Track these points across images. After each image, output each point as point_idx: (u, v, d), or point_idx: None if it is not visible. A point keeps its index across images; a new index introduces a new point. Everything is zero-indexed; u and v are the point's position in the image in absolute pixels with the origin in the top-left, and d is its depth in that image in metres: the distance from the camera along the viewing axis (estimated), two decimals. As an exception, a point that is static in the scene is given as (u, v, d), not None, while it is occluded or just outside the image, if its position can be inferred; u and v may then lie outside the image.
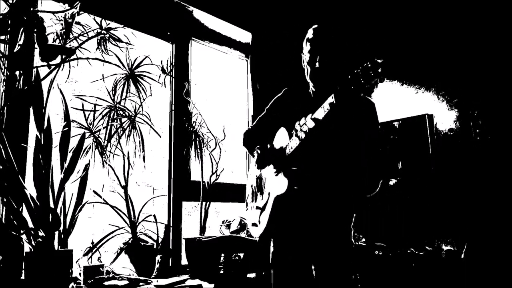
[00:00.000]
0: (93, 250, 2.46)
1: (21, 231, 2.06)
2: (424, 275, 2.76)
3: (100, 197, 2.57)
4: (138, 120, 2.72)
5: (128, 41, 2.53)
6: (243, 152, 2.11)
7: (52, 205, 2.16)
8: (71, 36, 2.22)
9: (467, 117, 2.97)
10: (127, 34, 2.53)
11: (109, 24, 2.42)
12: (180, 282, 2.45)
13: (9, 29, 2.01)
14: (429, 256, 2.82)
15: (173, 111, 3.22)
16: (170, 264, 3.01)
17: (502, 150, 2.77)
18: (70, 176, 2.29)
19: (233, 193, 3.41)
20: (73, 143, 2.35)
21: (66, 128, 2.30)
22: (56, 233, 2.18)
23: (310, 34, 1.83)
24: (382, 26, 3.55)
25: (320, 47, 1.77)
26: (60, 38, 2.21)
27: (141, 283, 2.35)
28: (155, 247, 2.73)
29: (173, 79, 3.24)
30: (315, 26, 1.84)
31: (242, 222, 3.12)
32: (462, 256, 2.68)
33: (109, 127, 2.60)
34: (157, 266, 2.75)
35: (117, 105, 2.66)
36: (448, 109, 3.10)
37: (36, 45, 2.07)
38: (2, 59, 2.11)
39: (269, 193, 1.86)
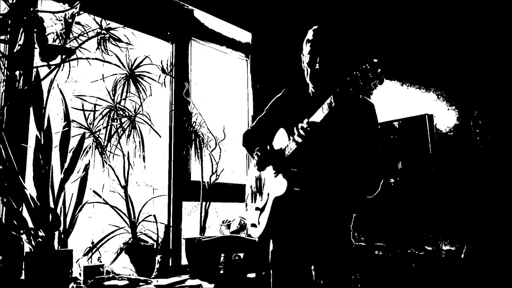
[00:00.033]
0: (93, 250, 2.46)
1: (21, 231, 2.06)
2: (424, 275, 2.76)
3: (100, 197, 2.57)
4: (138, 120, 2.72)
5: (128, 41, 2.53)
6: (243, 152, 2.11)
7: (52, 205, 2.16)
8: (71, 36, 2.22)
9: (467, 117, 2.97)
10: (127, 34, 2.53)
11: (109, 24, 2.42)
12: (180, 282, 2.45)
13: (9, 29, 2.01)
14: (429, 256, 2.82)
15: (173, 111, 3.22)
16: (170, 264, 3.01)
17: (502, 150, 2.77)
18: (70, 176, 2.29)
19: (233, 193, 3.41)
20: (73, 143, 2.35)
21: (66, 128, 2.30)
22: (56, 233, 2.18)
23: (310, 35, 1.82)
24: (382, 26, 3.55)
25: (320, 48, 1.76)
26: (60, 38, 2.21)
27: (141, 283, 2.35)
28: (155, 247, 2.73)
29: (173, 79, 3.24)
30: (315, 27, 1.83)
31: (242, 222, 3.12)
32: (462, 256, 2.68)
33: (109, 127, 2.60)
34: (157, 266, 2.75)
35: (117, 105, 2.66)
36: (448, 109, 3.10)
37: (36, 45, 2.07)
38: (2, 59, 2.11)
39: (268, 194, 1.86)
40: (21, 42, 2.05)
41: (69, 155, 2.30)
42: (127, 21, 2.66)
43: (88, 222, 2.67)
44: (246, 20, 3.80)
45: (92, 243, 2.49)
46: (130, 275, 2.49)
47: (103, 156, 2.56)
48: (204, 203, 3.12)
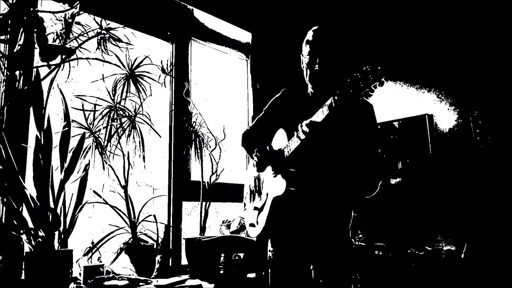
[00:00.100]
0: (93, 250, 2.46)
1: (21, 231, 2.06)
2: (424, 275, 2.76)
3: (100, 197, 2.57)
4: (138, 120, 2.72)
5: (128, 41, 2.53)
6: (243, 152, 2.11)
7: (52, 205, 2.16)
8: (71, 36, 2.22)
9: (467, 117, 2.97)
10: (127, 34, 2.53)
11: (109, 24, 2.42)
12: (180, 282, 2.45)
13: (9, 29, 2.01)
14: (429, 256, 2.82)
15: (173, 111, 3.22)
16: (170, 264, 3.01)
17: (502, 150, 2.77)
18: (70, 176, 2.29)
19: (233, 193, 3.41)
20: (73, 143, 2.35)
21: (66, 128, 2.30)
22: (56, 233, 2.18)
23: (309, 35, 1.82)
24: (382, 26, 3.55)
25: (319, 49, 1.76)
26: (60, 38, 2.21)
27: (141, 283, 2.35)
28: (155, 247, 2.73)
29: (173, 79, 3.24)
30: (315, 27, 1.83)
31: (242, 222, 3.12)
32: (462, 256, 2.68)
33: (109, 127, 2.60)
34: (157, 266, 2.75)
35: (117, 105, 2.66)
36: (448, 109, 3.10)
37: (36, 45, 2.07)
38: (2, 59, 2.11)
39: (267, 194, 1.87)
40: (21, 42, 2.05)
41: (69, 155, 2.30)
42: (127, 21, 2.66)
43: (88, 222, 2.67)
44: (246, 20, 3.80)
45: (92, 243, 2.49)
46: (130, 275, 2.49)
47: (103, 156, 2.56)
48: (204, 203, 3.13)
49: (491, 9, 2.92)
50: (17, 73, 2.14)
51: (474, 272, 2.61)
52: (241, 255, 2.76)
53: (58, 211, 2.19)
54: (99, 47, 2.40)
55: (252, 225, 1.95)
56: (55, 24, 2.21)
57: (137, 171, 2.81)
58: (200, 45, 3.57)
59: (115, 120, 2.64)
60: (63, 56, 2.17)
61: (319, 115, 1.57)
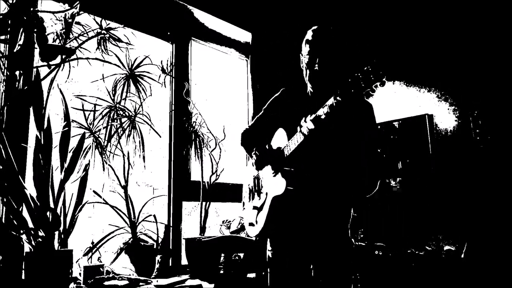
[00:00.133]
0: (93, 250, 2.47)
1: (21, 231, 2.06)
2: (424, 275, 2.76)
3: (100, 197, 2.57)
4: (138, 120, 2.72)
5: (128, 41, 2.53)
6: (243, 152, 2.11)
7: (52, 205, 2.16)
8: (71, 36, 2.22)
9: (467, 117, 2.97)
10: (127, 34, 2.53)
11: (109, 24, 2.43)
12: (180, 282, 2.45)
13: (9, 29, 2.01)
14: (429, 256, 2.82)
15: (173, 111, 3.22)
16: (170, 264, 3.01)
17: (502, 150, 2.78)
18: (70, 176, 2.29)
19: (233, 193, 3.41)
20: (73, 143, 2.35)
21: (66, 128, 2.30)
22: (56, 233, 2.18)
23: (309, 35, 1.82)
24: (382, 26, 3.55)
25: (319, 49, 1.76)
26: (60, 38, 2.21)
27: (141, 283, 2.35)
28: (155, 247, 2.73)
29: (173, 79, 3.25)
30: (315, 27, 1.83)
31: (242, 222, 3.12)
32: (462, 256, 2.68)
33: (109, 127, 2.60)
34: (157, 266, 2.75)
35: (117, 105, 2.66)
36: (448, 109, 3.10)
37: (36, 45, 2.07)
38: (2, 59, 2.11)
39: (266, 193, 1.86)
40: (21, 42, 2.05)
41: (69, 155, 2.30)
42: (127, 21, 2.66)
43: (88, 222, 2.67)
44: (246, 20, 3.80)
45: (92, 243, 2.49)
46: (130, 275, 2.49)
47: (103, 156, 2.56)
48: (204, 203, 3.13)
49: (491, 9, 2.92)
50: (17, 73, 2.14)
51: (474, 272, 2.61)
52: (241, 255, 2.76)
53: (58, 211, 2.19)
54: (99, 47, 2.40)
55: (251, 224, 1.95)
56: (55, 24, 2.21)
57: (137, 171, 2.81)
58: (200, 45, 3.57)
59: (115, 120, 2.64)
60: (63, 56, 2.17)
61: (320, 115, 1.57)
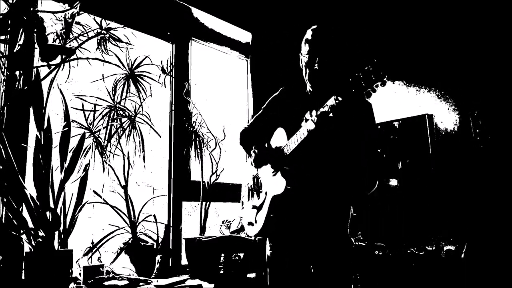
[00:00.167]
0: (93, 250, 2.46)
1: (21, 231, 2.06)
2: (424, 275, 2.76)
3: (100, 197, 2.57)
4: (138, 120, 2.72)
5: (128, 41, 2.53)
6: (243, 152, 2.11)
7: (52, 205, 2.16)
8: (71, 36, 2.22)
9: (467, 117, 2.97)
10: (127, 34, 2.53)
11: (109, 24, 2.43)
12: (180, 282, 2.45)
13: (9, 29, 2.01)
14: (429, 256, 2.82)
15: (173, 111, 3.22)
16: (170, 264, 3.01)
17: (502, 150, 2.78)
18: (70, 176, 2.29)
19: (233, 193, 3.41)
20: (73, 143, 2.35)
21: (66, 128, 2.30)
22: (56, 233, 2.18)
23: (309, 34, 1.82)
24: (382, 26, 3.55)
25: (319, 48, 1.76)
26: (60, 38, 2.21)
27: (141, 283, 2.35)
28: (155, 247, 2.73)
29: (173, 79, 3.24)
30: (314, 26, 1.83)
31: (242, 222, 3.12)
32: (462, 256, 2.68)
33: (109, 127, 2.60)
34: (157, 266, 2.75)
35: (117, 105, 2.66)
36: (448, 109, 3.10)
37: (36, 45, 2.07)
38: (2, 59, 2.11)
39: (266, 193, 1.86)
40: (21, 42, 2.05)
41: (69, 155, 2.30)
42: (127, 21, 2.66)
43: (88, 222, 2.67)
44: (246, 20, 3.80)
45: (92, 243, 2.49)
46: (130, 275, 2.49)
47: (103, 156, 2.56)
48: (204, 203, 3.12)
49: (491, 9, 2.92)
50: (17, 73, 2.14)
51: (474, 272, 2.61)
52: (241, 255, 2.76)
53: (58, 211, 2.19)
54: (99, 47, 2.40)
55: (250, 223, 1.95)
56: (55, 24, 2.21)
57: (137, 171, 2.81)
58: (200, 45, 3.57)
59: (115, 120, 2.64)
60: (63, 56, 2.17)
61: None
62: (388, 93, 3.42)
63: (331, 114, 1.52)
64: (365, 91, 1.39)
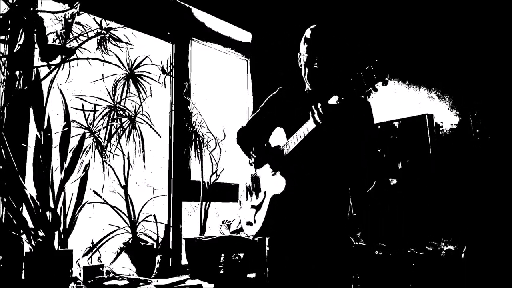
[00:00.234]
0: (93, 250, 2.46)
1: (21, 231, 2.06)
2: (424, 275, 2.76)
3: (100, 197, 2.57)
4: (138, 120, 2.72)
5: (128, 41, 2.53)
6: (242, 152, 2.12)
7: (52, 205, 2.16)
8: (71, 36, 2.22)
9: (467, 117, 2.97)
10: (127, 34, 2.54)
11: (109, 24, 2.43)
12: (180, 282, 2.45)
13: (9, 29, 2.01)
14: (429, 256, 2.82)
15: (173, 111, 3.22)
16: (170, 264, 3.01)
17: (502, 150, 2.77)
18: (70, 176, 2.29)
19: (233, 193, 3.41)
20: (73, 143, 2.35)
21: (66, 128, 2.30)
22: (56, 233, 2.18)
23: (308, 34, 1.81)
24: (383, 26, 3.55)
25: (318, 48, 1.75)
26: (60, 38, 2.21)
27: (141, 283, 2.35)
28: (155, 247, 2.73)
29: (173, 79, 3.25)
30: (313, 26, 1.82)
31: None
32: (462, 256, 2.68)
33: (109, 127, 2.60)
34: (157, 266, 2.75)
35: (117, 105, 2.66)
36: (448, 109, 3.10)
37: (36, 45, 2.07)
38: (2, 59, 2.11)
39: (265, 192, 1.86)
40: (21, 42, 2.05)
41: (69, 155, 2.30)
42: (127, 21, 2.66)
43: (88, 222, 2.67)
44: (246, 20, 3.80)
45: (92, 243, 2.49)
46: (130, 275, 2.49)
47: (103, 156, 2.56)
48: (204, 203, 3.13)
49: (491, 9, 2.92)
50: (17, 73, 2.14)
51: (474, 272, 2.61)
52: (241, 255, 2.76)
53: (58, 211, 2.19)
54: (99, 47, 2.40)
55: (249, 223, 1.94)
56: (55, 24, 2.21)
57: (137, 171, 2.81)
58: (200, 45, 3.57)
59: (115, 120, 2.64)
60: (63, 56, 2.17)
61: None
62: (388, 93, 3.42)
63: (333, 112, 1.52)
64: (367, 90, 1.39)
